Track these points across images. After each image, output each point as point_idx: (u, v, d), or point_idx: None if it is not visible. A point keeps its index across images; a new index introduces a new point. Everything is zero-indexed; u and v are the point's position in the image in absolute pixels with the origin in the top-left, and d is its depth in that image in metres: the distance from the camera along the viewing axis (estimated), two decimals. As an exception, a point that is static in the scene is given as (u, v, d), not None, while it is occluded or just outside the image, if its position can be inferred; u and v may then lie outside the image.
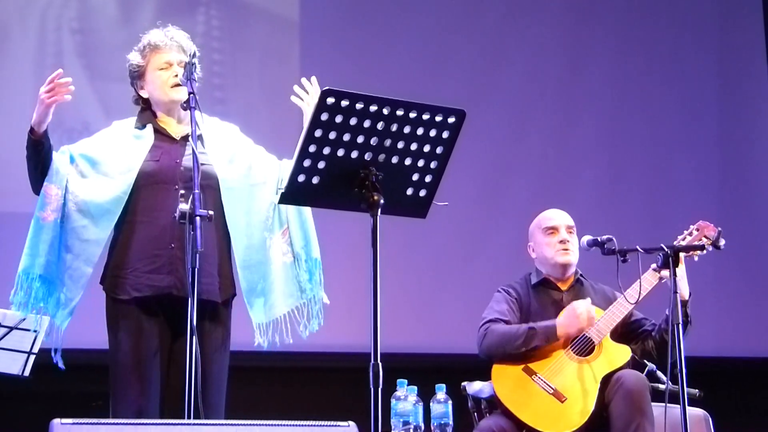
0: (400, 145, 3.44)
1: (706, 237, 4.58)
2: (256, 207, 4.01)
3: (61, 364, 3.90)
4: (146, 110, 4.04)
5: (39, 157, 3.81)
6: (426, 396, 4.30)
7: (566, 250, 4.70)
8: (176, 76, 3.94)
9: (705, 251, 4.50)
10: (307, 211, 4.06)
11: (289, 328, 4.03)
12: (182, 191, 3.74)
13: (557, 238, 4.72)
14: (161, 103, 4.01)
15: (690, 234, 4.61)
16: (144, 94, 4.02)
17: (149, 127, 3.98)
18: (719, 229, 4.60)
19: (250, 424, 3.15)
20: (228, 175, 3.94)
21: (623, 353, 4.52)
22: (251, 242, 3.97)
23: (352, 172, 3.40)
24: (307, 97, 4.01)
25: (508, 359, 4.52)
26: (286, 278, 4.04)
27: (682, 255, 4.37)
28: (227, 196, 3.92)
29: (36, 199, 3.90)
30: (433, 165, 3.50)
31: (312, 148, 3.37)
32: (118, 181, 3.87)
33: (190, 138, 3.75)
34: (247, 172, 4.01)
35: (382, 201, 3.37)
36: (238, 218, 3.94)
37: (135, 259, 3.84)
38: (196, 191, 3.58)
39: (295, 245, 4.04)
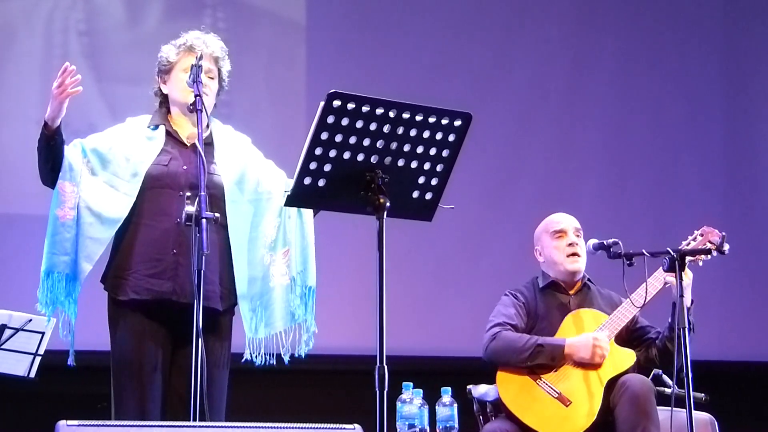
0: (406, 148, 3.44)
1: (710, 242, 4.57)
2: (259, 222, 3.99)
3: (71, 361, 3.90)
4: (162, 107, 4.03)
5: (51, 152, 3.81)
6: (431, 399, 4.29)
7: (575, 254, 4.67)
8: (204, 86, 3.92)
9: (711, 255, 4.50)
10: (310, 235, 4.04)
11: (286, 345, 4.03)
12: (188, 194, 3.75)
13: (565, 242, 4.70)
14: (178, 104, 3.99)
15: (694, 239, 4.60)
16: (165, 89, 4.01)
17: (162, 129, 3.97)
18: (723, 234, 4.59)
19: (255, 427, 3.15)
20: (235, 188, 3.93)
21: (628, 357, 4.52)
22: (252, 257, 3.95)
23: (358, 174, 3.40)
24: None
25: (512, 367, 4.52)
26: (283, 299, 4.01)
27: (687, 259, 4.36)
28: (232, 209, 3.90)
29: (44, 193, 3.90)
30: (439, 168, 3.50)
31: (318, 151, 3.37)
32: (127, 186, 3.86)
33: (197, 142, 3.75)
34: (255, 188, 4.00)
35: (388, 204, 3.37)
36: (241, 232, 3.92)
37: (136, 262, 3.83)
38: (203, 193, 3.58)
39: (292, 269, 4.02)
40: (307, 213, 4.03)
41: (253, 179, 4.00)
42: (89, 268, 3.87)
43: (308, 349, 4.04)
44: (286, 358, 4.04)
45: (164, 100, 4.04)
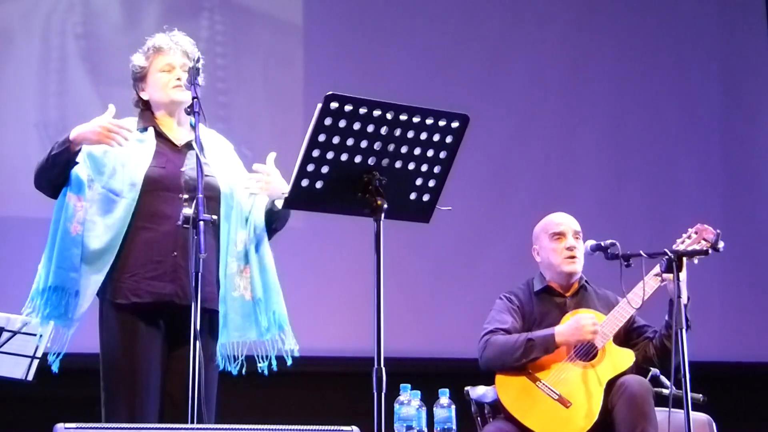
0: (404, 149, 3.44)
1: (705, 240, 4.54)
2: (235, 230, 3.94)
3: (55, 368, 3.86)
4: (146, 112, 3.99)
5: (66, 170, 3.79)
6: (429, 400, 4.29)
7: (572, 257, 4.66)
8: (178, 79, 3.92)
9: (708, 255, 4.49)
10: (270, 261, 3.94)
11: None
12: (185, 196, 3.74)
13: (564, 244, 4.68)
14: (162, 105, 3.98)
15: (689, 237, 4.57)
16: (145, 96, 3.99)
17: (151, 131, 3.95)
18: (718, 231, 4.56)
19: (253, 429, 3.15)
20: (228, 191, 3.92)
21: (627, 357, 4.51)
22: (229, 259, 3.91)
23: (356, 176, 3.41)
24: (266, 177, 3.89)
25: (509, 370, 4.51)
26: (243, 313, 3.91)
27: (685, 260, 4.36)
28: (225, 212, 3.88)
29: (42, 196, 3.87)
30: (436, 170, 3.50)
31: (315, 153, 3.37)
32: (126, 192, 3.82)
33: (193, 143, 3.75)
34: (236, 194, 3.97)
35: (385, 206, 3.37)
36: (228, 235, 3.90)
37: (136, 265, 3.80)
38: (200, 196, 3.58)
39: (256, 290, 3.92)
40: (265, 241, 3.95)
41: (237, 185, 3.97)
42: (101, 280, 3.78)
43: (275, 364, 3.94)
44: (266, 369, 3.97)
45: (145, 108, 4.00)
